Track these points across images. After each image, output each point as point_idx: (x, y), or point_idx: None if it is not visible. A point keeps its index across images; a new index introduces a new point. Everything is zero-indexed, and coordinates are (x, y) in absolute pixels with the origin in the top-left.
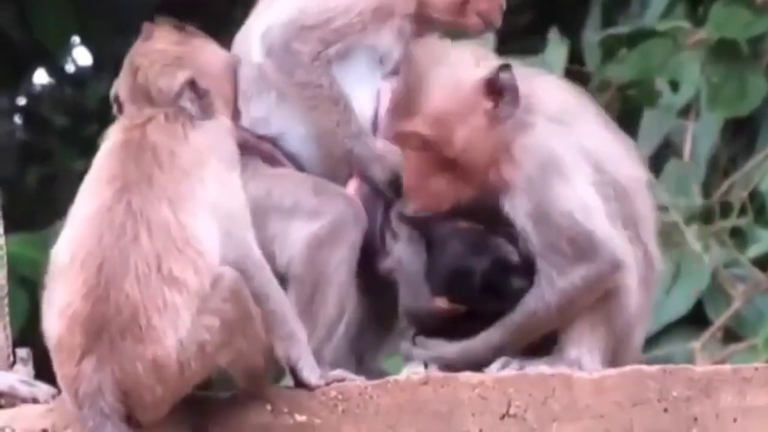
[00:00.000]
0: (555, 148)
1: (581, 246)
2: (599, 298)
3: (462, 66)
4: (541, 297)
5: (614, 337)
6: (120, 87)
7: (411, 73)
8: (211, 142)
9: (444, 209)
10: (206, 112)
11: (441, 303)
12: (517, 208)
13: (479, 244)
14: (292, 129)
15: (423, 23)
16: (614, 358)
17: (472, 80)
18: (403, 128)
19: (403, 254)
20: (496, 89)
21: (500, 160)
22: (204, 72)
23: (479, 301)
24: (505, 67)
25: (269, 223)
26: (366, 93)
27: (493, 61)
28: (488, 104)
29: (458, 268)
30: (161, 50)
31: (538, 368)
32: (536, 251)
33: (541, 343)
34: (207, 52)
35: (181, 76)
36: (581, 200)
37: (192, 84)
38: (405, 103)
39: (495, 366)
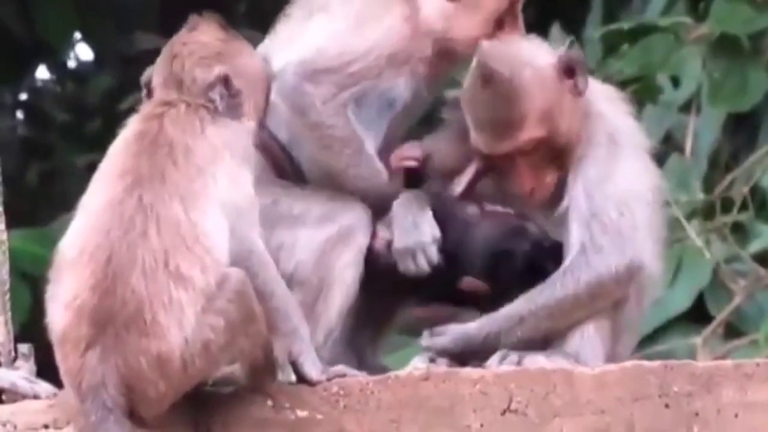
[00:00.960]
0: (621, 122)
1: (623, 231)
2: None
3: (537, 60)
4: (572, 274)
5: (614, 336)
6: (155, 72)
7: (496, 86)
8: (227, 138)
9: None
10: (233, 111)
11: (470, 283)
12: (577, 174)
13: (515, 227)
14: (296, 150)
15: (447, 59)
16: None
17: (550, 68)
18: (519, 140)
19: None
20: (569, 67)
21: (580, 133)
22: (240, 73)
23: (517, 284)
24: (571, 45)
25: (276, 231)
26: (372, 134)
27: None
28: (568, 82)
29: (500, 250)
30: (203, 42)
31: (537, 361)
32: (579, 222)
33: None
34: (247, 56)
35: (217, 70)
36: (638, 185)
37: (226, 80)
38: (505, 119)
39: (494, 359)
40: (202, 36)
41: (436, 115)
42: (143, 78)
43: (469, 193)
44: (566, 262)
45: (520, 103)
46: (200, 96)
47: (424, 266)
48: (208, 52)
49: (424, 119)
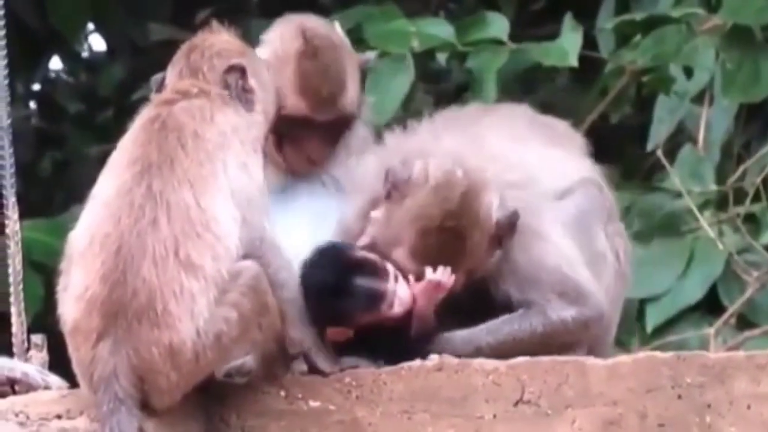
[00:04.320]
0: (523, 207)
1: (571, 296)
2: None
3: (489, 212)
4: (527, 322)
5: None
6: (168, 72)
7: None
8: (237, 126)
9: None
10: (246, 103)
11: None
12: (499, 278)
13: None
14: None
15: None
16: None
17: (492, 224)
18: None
19: None
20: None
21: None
22: (255, 74)
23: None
24: (514, 214)
25: None
26: None
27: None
28: (499, 234)
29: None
30: (224, 40)
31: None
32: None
33: None
34: (262, 65)
35: (236, 60)
36: (564, 253)
37: (242, 71)
38: (450, 245)
39: None
40: (222, 36)
41: None
42: (153, 81)
43: None
44: (520, 312)
45: (458, 241)
46: (216, 82)
47: None
48: (228, 47)
49: None
